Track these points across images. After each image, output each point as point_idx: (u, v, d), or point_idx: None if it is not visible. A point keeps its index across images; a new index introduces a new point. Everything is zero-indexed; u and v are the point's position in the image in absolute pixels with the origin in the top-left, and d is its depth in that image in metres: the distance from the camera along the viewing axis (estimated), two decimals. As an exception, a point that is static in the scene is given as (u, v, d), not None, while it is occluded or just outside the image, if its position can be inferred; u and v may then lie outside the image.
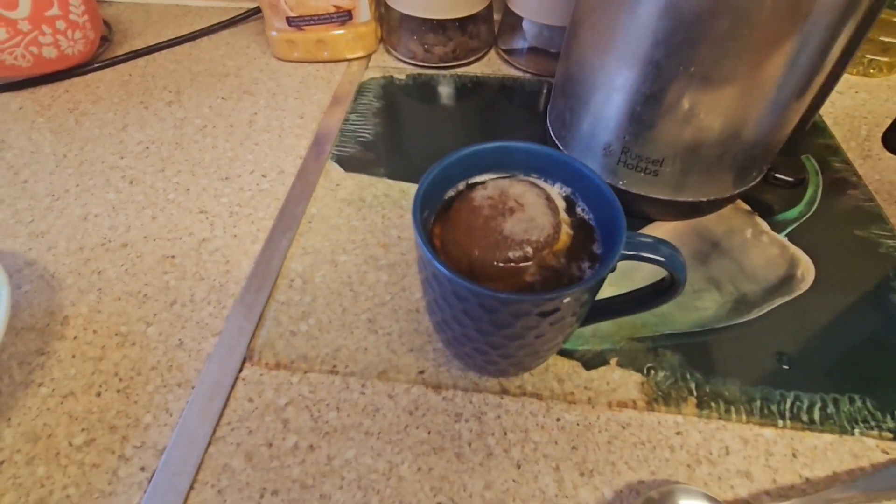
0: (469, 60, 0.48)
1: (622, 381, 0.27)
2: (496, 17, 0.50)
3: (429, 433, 0.25)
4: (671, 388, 0.27)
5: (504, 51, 0.49)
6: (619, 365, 0.28)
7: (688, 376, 0.27)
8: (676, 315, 0.30)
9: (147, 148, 0.40)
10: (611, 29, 0.28)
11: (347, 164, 0.38)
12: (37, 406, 0.26)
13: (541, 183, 0.25)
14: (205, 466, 0.24)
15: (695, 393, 0.27)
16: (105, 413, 0.26)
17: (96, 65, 0.47)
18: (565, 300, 0.19)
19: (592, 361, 0.28)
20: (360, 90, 0.45)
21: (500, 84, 0.46)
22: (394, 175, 0.37)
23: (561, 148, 0.35)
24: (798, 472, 0.24)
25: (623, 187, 0.32)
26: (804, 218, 0.35)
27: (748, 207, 0.35)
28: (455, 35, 0.46)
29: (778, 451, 0.25)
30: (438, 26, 0.45)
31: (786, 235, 0.34)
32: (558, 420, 0.26)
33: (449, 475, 0.24)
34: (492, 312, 0.20)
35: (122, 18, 0.55)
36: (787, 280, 0.31)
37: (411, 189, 0.37)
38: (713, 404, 0.26)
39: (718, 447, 0.25)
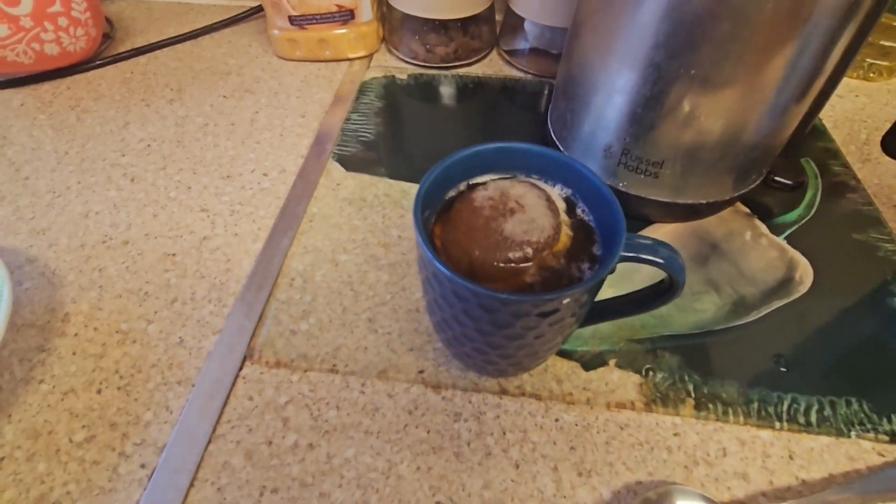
0: (471, 61, 0.48)
1: (621, 382, 0.27)
2: (498, 17, 0.50)
3: (428, 433, 0.25)
4: (669, 390, 0.27)
5: (506, 51, 0.49)
6: (618, 366, 0.28)
7: (686, 378, 0.27)
8: (675, 317, 0.30)
9: (148, 146, 0.40)
10: (612, 31, 0.28)
11: (349, 163, 0.38)
12: (37, 403, 0.26)
13: (541, 184, 0.25)
14: (205, 464, 0.24)
15: (693, 394, 0.27)
16: (105, 410, 0.26)
17: (98, 62, 0.47)
18: (565, 301, 0.19)
19: (591, 362, 0.28)
20: (362, 90, 0.45)
21: (502, 85, 0.46)
22: (395, 175, 0.38)
23: (561, 149, 0.35)
24: (794, 473, 0.24)
25: (623, 189, 0.32)
26: (803, 221, 0.35)
27: (747, 210, 0.35)
28: (457, 35, 0.46)
29: (775, 452, 0.25)
30: (440, 26, 0.45)
31: (785, 238, 0.34)
32: (557, 420, 0.26)
33: (448, 474, 0.24)
34: (492, 312, 0.20)
35: (125, 16, 0.55)
36: (786, 283, 0.31)
37: (412, 189, 0.37)
38: (711, 406, 0.26)
39: (716, 448, 0.25)
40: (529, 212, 0.22)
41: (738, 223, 0.35)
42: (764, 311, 0.30)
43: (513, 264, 0.21)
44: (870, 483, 0.23)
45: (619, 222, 0.21)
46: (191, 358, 0.28)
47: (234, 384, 0.27)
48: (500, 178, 0.25)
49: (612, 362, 0.28)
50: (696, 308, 0.30)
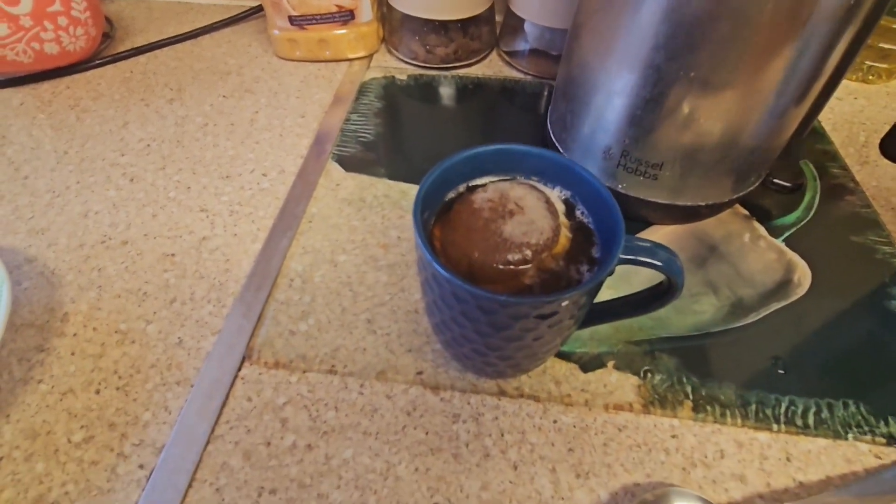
0: (470, 62, 0.48)
1: (619, 383, 0.27)
2: (498, 18, 0.50)
3: (426, 434, 0.25)
4: (667, 392, 0.27)
5: (505, 52, 0.49)
6: (616, 368, 0.28)
7: (684, 380, 0.27)
8: (673, 319, 0.30)
9: (148, 145, 0.40)
10: (612, 32, 0.28)
11: (348, 164, 0.38)
12: (36, 403, 0.26)
13: (541, 186, 0.25)
14: (203, 465, 0.24)
15: (691, 396, 0.27)
16: (104, 410, 0.26)
17: (98, 61, 0.47)
18: (563, 303, 0.19)
19: (590, 364, 0.28)
20: (362, 90, 0.45)
21: (501, 86, 0.46)
22: (394, 176, 0.38)
23: (561, 150, 0.35)
24: (792, 475, 0.24)
25: (622, 191, 0.32)
26: (801, 223, 0.35)
27: (746, 212, 0.35)
28: (457, 36, 0.46)
29: (772, 454, 0.25)
30: (440, 27, 0.45)
31: (783, 240, 0.34)
32: (555, 422, 0.26)
33: (446, 476, 0.24)
34: (490, 314, 0.20)
35: (124, 15, 0.55)
36: (784, 285, 0.31)
37: (411, 190, 0.37)
38: (709, 408, 0.26)
39: (713, 450, 0.25)
40: (529, 214, 0.22)
41: (736, 225, 0.35)
42: (762, 313, 0.30)
43: (512, 266, 0.21)
44: (867, 485, 0.24)
45: (618, 225, 0.21)
46: (189, 358, 0.28)
47: (232, 385, 0.27)
48: (499, 180, 0.25)
49: (610, 364, 0.28)
50: (695, 310, 0.30)
